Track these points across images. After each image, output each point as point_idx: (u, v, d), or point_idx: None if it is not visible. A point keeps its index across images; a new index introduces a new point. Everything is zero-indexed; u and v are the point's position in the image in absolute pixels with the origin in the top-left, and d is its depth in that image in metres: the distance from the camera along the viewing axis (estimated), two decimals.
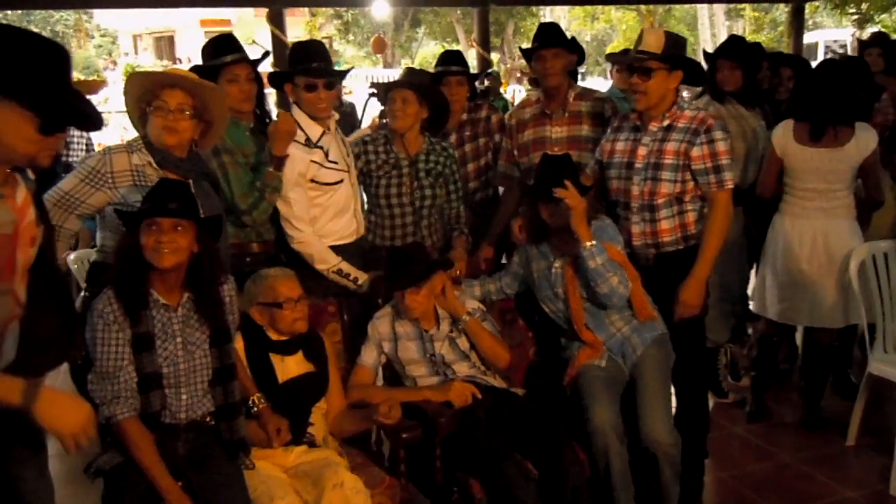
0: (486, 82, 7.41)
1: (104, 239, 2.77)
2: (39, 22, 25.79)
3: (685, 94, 5.40)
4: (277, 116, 3.17)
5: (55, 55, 1.79)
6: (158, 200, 2.35)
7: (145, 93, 2.64)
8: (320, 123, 3.23)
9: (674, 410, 3.15)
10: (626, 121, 3.25)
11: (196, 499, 2.33)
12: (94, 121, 1.94)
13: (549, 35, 3.50)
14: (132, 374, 2.33)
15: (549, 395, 3.12)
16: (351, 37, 25.22)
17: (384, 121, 3.66)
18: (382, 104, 3.54)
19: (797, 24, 9.46)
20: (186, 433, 2.42)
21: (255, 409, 2.64)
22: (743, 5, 22.73)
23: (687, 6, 23.73)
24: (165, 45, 28.21)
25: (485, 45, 8.59)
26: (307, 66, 3.15)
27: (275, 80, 3.39)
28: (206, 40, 3.30)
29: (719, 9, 22.66)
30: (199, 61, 3.20)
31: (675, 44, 3.03)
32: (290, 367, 2.80)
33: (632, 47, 3.24)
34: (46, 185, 2.47)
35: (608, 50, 17.82)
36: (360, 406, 2.94)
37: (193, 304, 2.45)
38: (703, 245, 3.09)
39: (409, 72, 3.48)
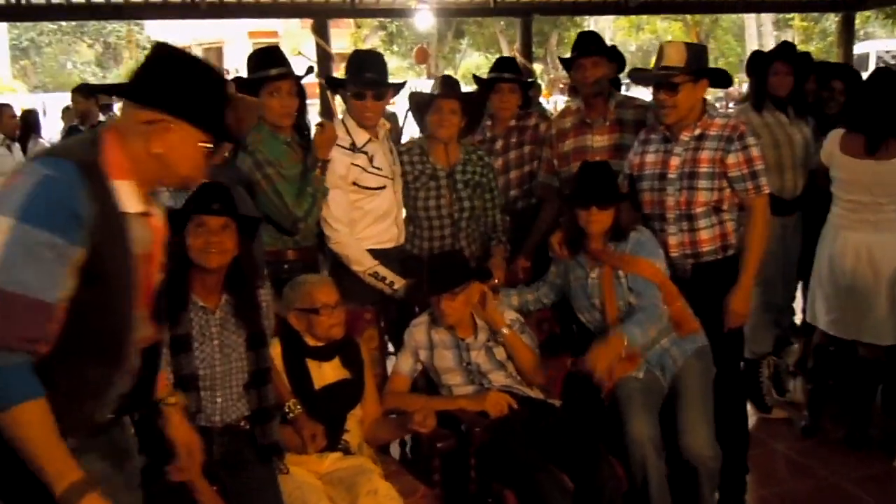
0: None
1: None
2: (93, 33, 26.42)
3: (731, 104, 5.34)
4: (321, 125, 3.20)
5: (221, 78, 1.79)
6: (203, 202, 2.38)
7: None
8: (367, 130, 3.26)
9: None
10: (653, 132, 3.22)
11: (230, 502, 2.33)
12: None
13: (589, 44, 3.48)
14: (169, 377, 2.34)
15: (586, 406, 3.08)
16: (395, 48, 25.39)
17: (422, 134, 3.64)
18: (416, 115, 3.55)
19: (847, 33, 9.29)
20: (221, 437, 2.43)
21: (291, 414, 2.65)
22: (792, 15, 22.39)
23: (734, 16, 23.46)
24: (214, 56, 28.68)
25: (527, 55, 8.60)
26: (360, 76, 3.19)
27: (329, 84, 3.46)
28: (252, 51, 3.33)
29: (767, 19, 22.34)
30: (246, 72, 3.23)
31: (697, 54, 3.04)
32: (326, 373, 2.81)
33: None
34: None
35: (653, 61, 17.67)
36: (396, 413, 2.95)
37: (231, 308, 2.47)
38: (746, 252, 3.07)
39: (446, 80, 3.47)
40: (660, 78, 3.03)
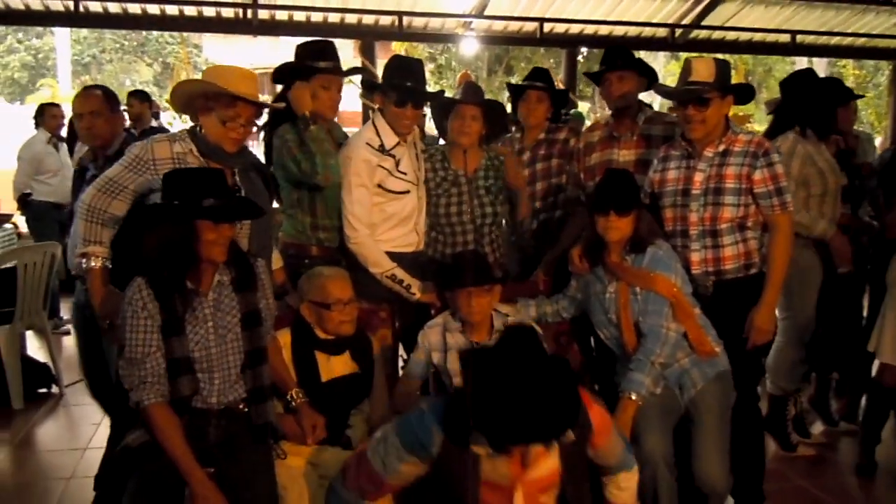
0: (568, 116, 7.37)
1: None
2: (153, 53, 27.16)
3: None
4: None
5: None
6: (215, 196, 2.36)
7: (218, 95, 2.65)
8: (397, 134, 3.25)
9: None
10: (673, 149, 3.19)
11: (224, 486, 2.31)
12: None
13: (616, 58, 3.45)
14: (160, 361, 2.30)
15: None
16: (444, 81, 25.61)
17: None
18: (436, 120, 3.55)
19: None
20: (218, 419, 2.41)
21: (294, 403, 2.63)
22: (845, 65, 22.19)
23: (787, 66, 23.32)
24: (268, 80, 29.27)
25: (571, 85, 8.61)
26: (401, 84, 3.18)
27: (367, 88, 3.50)
28: (304, 42, 3.34)
29: (820, 69, 22.15)
30: None
31: (724, 70, 3.03)
32: (335, 366, 2.80)
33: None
34: None
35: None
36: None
37: (224, 288, 2.43)
38: (770, 269, 3.02)
39: (469, 86, 3.46)
40: (691, 93, 3.01)
